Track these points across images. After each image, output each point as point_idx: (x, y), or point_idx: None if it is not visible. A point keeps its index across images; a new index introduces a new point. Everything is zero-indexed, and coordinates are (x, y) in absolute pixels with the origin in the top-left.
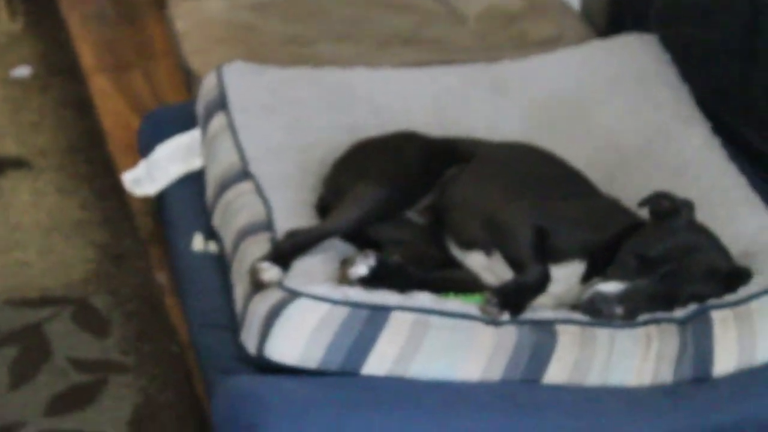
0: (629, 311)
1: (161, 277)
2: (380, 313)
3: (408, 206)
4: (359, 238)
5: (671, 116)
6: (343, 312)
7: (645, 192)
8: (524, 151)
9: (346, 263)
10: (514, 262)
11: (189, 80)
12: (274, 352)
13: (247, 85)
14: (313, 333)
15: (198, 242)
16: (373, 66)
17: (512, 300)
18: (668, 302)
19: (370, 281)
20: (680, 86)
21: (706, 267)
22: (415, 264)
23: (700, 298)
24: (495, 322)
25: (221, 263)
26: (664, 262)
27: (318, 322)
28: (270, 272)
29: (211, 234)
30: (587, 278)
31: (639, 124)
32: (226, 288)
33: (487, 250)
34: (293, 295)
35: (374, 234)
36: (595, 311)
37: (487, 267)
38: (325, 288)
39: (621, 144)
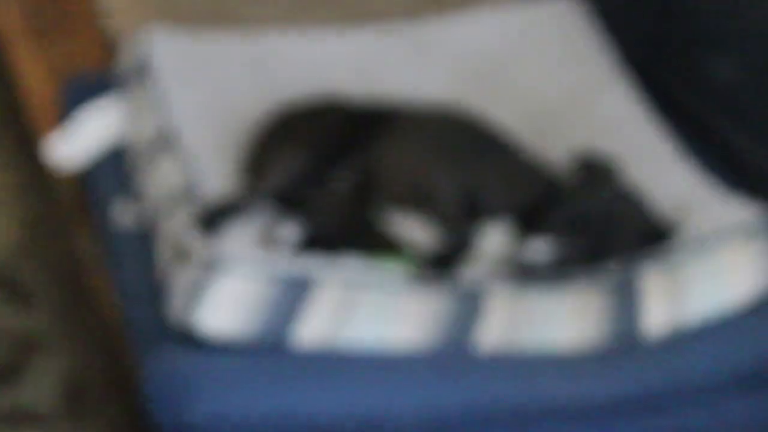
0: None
1: (86, 248)
2: (309, 283)
3: (328, 171)
4: (282, 206)
5: (596, 73)
6: (271, 283)
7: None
8: (452, 112)
9: (272, 229)
10: (442, 223)
11: (112, 44)
12: (200, 326)
13: (168, 50)
14: (240, 305)
15: (122, 212)
16: (291, 26)
17: (444, 263)
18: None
19: (298, 247)
20: (603, 42)
21: (635, 227)
22: (342, 230)
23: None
24: (427, 284)
25: (146, 233)
26: (593, 223)
27: (245, 293)
28: (194, 240)
29: (135, 203)
30: (518, 237)
31: (564, 83)
32: (152, 259)
33: (416, 214)
34: (219, 264)
35: (298, 202)
36: (527, 271)
37: (417, 230)
38: (252, 258)
39: (547, 104)
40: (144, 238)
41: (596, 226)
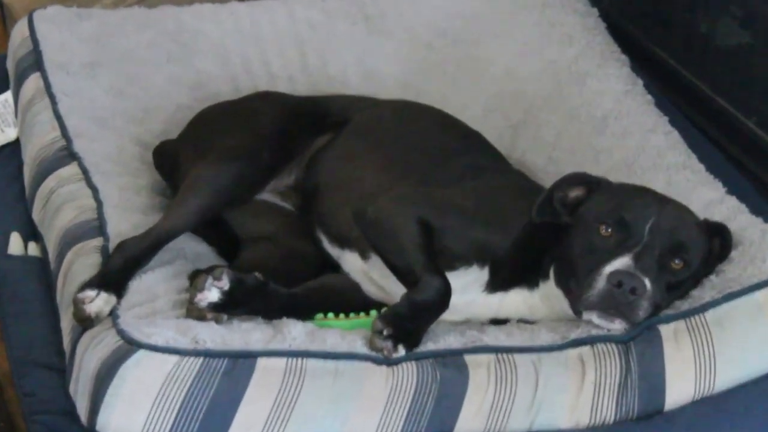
0: (655, 284)
1: None
2: (242, 362)
3: (261, 185)
4: (214, 231)
5: (583, 52)
6: (194, 365)
7: (556, 152)
8: (408, 113)
9: (193, 288)
10: (399, 271)
11: (7, 23)
12: (108, 425)
13: (65, 36)
14: (158, 397)
15: (15, 244)
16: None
17: (407, 328)
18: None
19: (226, 305)
20: (589, 11)
21: (681, 218)
22: (286, 264)
23: (693, 255)
24: (388, 361)
25: (47, 271)
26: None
27: (163, 381)
28: (96, 303)
29: (32, 231)
30: (493, 287)
31: (545, 64)
32: (54, 307)
33: (363, 251)
34: (130, 345)
35: (234, 226)
36: (626, 298)
37: (365, 274)
38: (171, 332)
39: (524, 89)
40: (44, 277)
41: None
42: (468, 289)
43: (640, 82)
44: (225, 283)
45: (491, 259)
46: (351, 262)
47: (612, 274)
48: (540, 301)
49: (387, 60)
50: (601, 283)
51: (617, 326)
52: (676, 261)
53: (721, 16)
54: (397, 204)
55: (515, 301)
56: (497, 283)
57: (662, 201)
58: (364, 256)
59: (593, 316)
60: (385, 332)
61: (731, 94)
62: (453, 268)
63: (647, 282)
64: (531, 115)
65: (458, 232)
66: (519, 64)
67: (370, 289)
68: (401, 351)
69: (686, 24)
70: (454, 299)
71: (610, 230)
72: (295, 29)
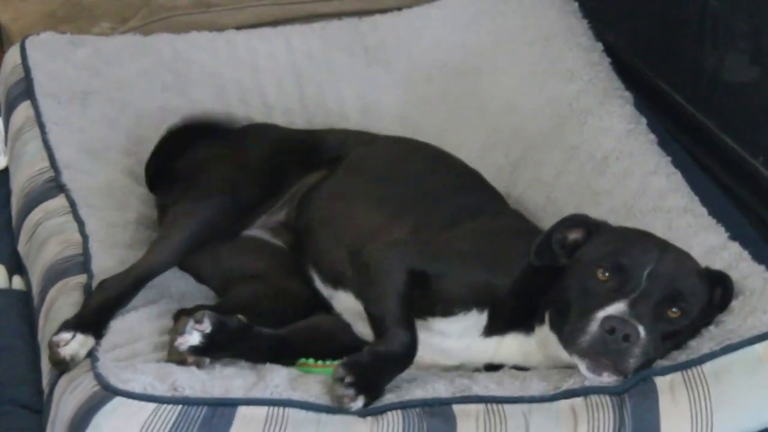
0: (649, 332)
1: None
2: (222, 410)
3: (248, 220)
4: (203, 268)
5: (585, 88)
6: (172, 413)
7: (555, 192)
8: (405, 150)
9: (173, 331)
10: (371, 319)
11: (4, 45)
12: None
13: (57, 63)
14: None
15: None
16: (215, 26)
17: (369, 378)
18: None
19: (208, 349)
20: (594, 46)
21: (681, 265)
22: (275, 303)
23: (691, 304)
24: (345, 410)
25: (31, 306)
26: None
27: (140, 429)
28: (71, 346)
29: (18, 264)
30: (490, 331)
31: (545, 100)
32: (36, 345)
33: (358, 291)
34: (106, 391)
35: (223, 263)
36: (618, 346)
37: (360, 313)
38: (149, 378)
39: (524, 125)
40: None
41: (648, 268)
42: (465, 334)
43: (643, 120)
44: (206, 327)
45: (490, 303)
46: (344, 301)
47: (605, 319)
48: (536, 346)
49: (386, 92)
50: (593, 327)
51: (605, 380)
52: (674, 309)
53: (729, 51)
54: (390, 250)
55: (511, 346)
56: (494, 327)
57: (662, 247)
58: (358, 296)
59: (582, 367)
60: (346, 380)
61: (738, 132)
62: (452, 313)
63: (641, 330)
64: (530, 152)
65: (456, 277)
66: (519, 99)
67: (362, 330)
68: (359, 402)
69: (693, 59)
70: (452, 344)
71: (607, 274)
72: (293, 59)
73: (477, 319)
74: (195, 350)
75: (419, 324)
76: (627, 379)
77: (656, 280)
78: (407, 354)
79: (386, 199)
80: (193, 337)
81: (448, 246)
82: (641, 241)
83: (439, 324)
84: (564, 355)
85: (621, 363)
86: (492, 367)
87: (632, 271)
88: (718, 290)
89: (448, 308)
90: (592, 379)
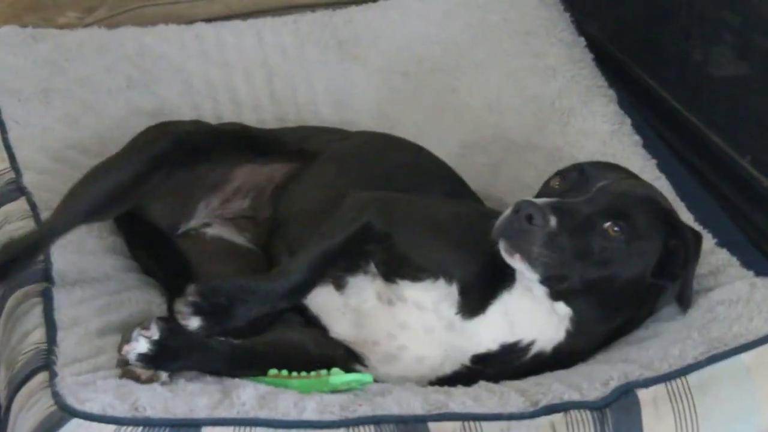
0: (564, 226)
1: None
2: (185, 431)
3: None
4: (167, 265)
5: (568, 86)
6: None
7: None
8: (379, 148)
9: (121, 340)
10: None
11: None
12: None
13: (19, 59)
14: None
15: None
16: (182, 19)
17: (219, 304)
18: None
19: (158, 358)
20: (576, 41)
21: (641, 193)
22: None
23: (634, 228)
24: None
25: None
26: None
27: None
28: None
29: None
30: (469, 310)
31: (527, 98)
32: None
33: (338, 280)
34: (63, 412)
35: (191, 267)
36: (520, 225)
37: (340, 307)
38: (109, 397)
39: (505, 125)
40: None
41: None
42: (440, 308)
43: (627, 120)
44: (154, 333)
45: (458, 276)
46: (323, 296)
47: (516, 203)
48: (518, 309)
49: (360, 88)
50: (509, 211)
51: (518, 263)
52: (615, 228)
53: (715, 45)
54: (357, 202)
55: (495, 321)
56: (472, 305)
57: (631, 175)
58: (339, 285)
59: (502, 249)
60: (189, 298)
61: (725, 131)
62: (419, 279)
63: (552, 219)
64: (511, 153)
65: (421, 242)
66: (500, 97)
67: (340, 330)
68: (195, 323)
69: (679, 53)
70: (433, 320)
71: (558, 183)
72: (264, 54)
73: (447, 290)
74: (144, 359)
75: (391, 289)
76: (537, 270)
77: (604, 194)
78: (280, 294)
79: (367, 188)
80: (140, 345)
81: (416, 209)
82: (611, 167)
83: (410, 290)
84: (537, 290)
85: (525, 245)
86: (479, 361)
87: (585, 181)
88: (674, 241)
89: (415, 273)
90: (507, 259)
